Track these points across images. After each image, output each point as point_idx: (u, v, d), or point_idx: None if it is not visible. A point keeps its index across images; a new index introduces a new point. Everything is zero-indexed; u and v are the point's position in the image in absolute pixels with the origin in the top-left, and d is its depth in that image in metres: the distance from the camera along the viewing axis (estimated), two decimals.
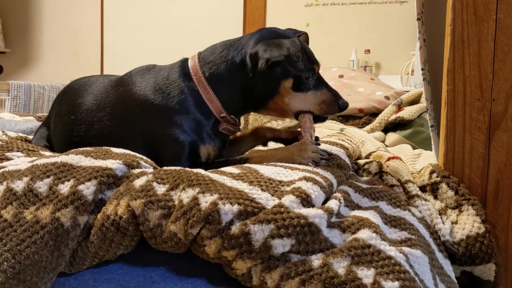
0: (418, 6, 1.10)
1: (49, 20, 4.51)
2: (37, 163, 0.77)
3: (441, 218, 0.90)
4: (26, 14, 4.54)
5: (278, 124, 2.03)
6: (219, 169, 0.82)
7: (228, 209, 0.65)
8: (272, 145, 1.13)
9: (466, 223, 0.86)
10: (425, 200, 0.94)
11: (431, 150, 1.37)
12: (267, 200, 0.69)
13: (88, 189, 0.71)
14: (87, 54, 4.42)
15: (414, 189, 0.97)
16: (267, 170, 0.80)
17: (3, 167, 0.82)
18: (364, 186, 0.89)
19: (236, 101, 1.01)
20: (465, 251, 0.84)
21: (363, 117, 2.13)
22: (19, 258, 0.67)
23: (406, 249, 0.67)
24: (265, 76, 0.95)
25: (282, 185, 0.74)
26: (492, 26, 0.91)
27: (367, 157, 1.33)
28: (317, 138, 1.05)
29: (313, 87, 0.98)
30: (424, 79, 1.11)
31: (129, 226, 0.68)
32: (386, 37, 3.60)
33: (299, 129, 1.01)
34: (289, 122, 1.98)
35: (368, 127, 1.98)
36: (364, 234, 0.66)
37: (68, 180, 0.73)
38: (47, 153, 1.02)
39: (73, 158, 0.78)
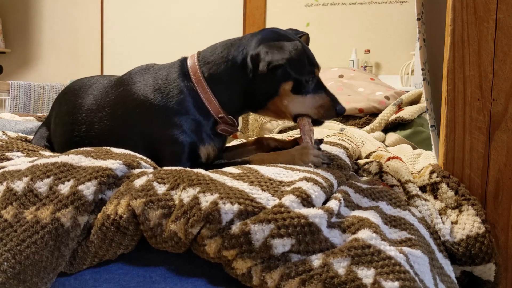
0: (418, 6, 1.10)
1: (49, 20, 4.51)
2: (37, 163, 0.77)
3: (441, 218, 0.90)
4: (26, 14, 4.54)
5: (279, 123, 2.03)
6: (220, 169, 0.82)
7: (229, 209, 0.65)
8: None
9: (466, 223, 0.86)
10: (425, 200, 0.94)
11: (431, 150, 1.37)
12: (267, 200, 0.69)
13: (88, 189, 0.71)
14: (87, 54, 4.42)
15: (414, 189, 0.97)
16: (267, 171, 0.80)
17: (3, 167, 0.82)
18: (364, 186, 0.89)
19: (235, 101, 1.01)
20: (465, 251, 0.84)
21: (363, 117, 2.13)
22: (19, 258, 0.67)
23: (406, 249, 0.67)
24: (266, 78, 0.95)
25: (283, 185, 0.74)
26: (492, 26, 0.91)
27: (367, 157, 1.33)
28: (321, 141, 1.05)
29: (312, 90, 0.98)
30: (424, 79, 1.11)
31: (130, 225, 0.68)
32: (386, 37, 3.60)
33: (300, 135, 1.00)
34: (289, 122, 1.98)
35: (368, 127, 1.98)
36: (364, 234, 0.66)
37: (68, 180, 0.73)
38: (47, 153, 1.02)
39: (73, 158, 0.78)
